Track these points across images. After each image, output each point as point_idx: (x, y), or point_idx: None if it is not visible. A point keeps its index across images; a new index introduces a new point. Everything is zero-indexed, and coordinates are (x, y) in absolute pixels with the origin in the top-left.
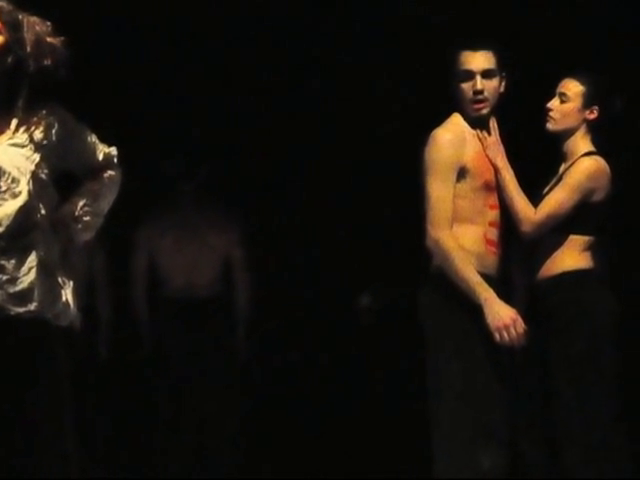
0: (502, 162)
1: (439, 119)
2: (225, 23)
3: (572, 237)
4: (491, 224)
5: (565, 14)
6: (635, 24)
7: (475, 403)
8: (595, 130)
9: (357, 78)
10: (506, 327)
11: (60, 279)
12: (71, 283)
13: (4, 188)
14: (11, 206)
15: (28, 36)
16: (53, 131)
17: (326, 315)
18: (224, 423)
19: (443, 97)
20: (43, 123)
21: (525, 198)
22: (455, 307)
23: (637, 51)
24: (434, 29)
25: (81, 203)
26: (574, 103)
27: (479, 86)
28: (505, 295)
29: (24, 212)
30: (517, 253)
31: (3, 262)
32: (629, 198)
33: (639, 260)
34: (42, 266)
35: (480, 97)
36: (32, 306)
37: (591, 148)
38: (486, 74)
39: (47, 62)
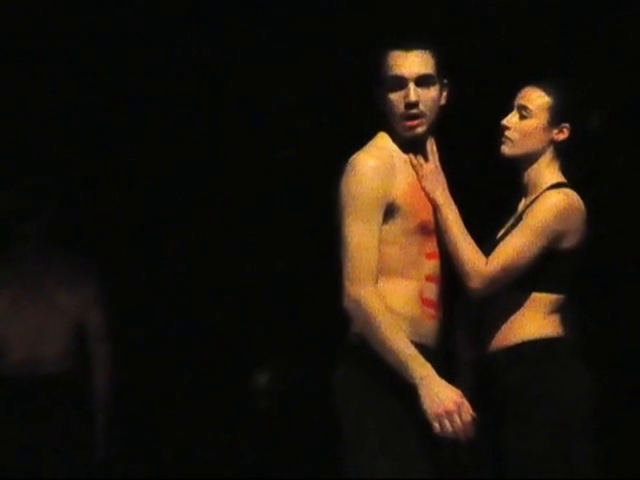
0: (443, 197)
1: (360, 140)
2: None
3: (535, 295)
4: (429, 278)
5: (526, 5)
6: (616, 19)
7: None
8: (565, 155)
9: (249, 87)
10: (448, 414)
11: None
12: None
13: None
14: None
15: None
16: None
17: (211, 400)
18: None
19: (365, 111)
20: None
21: (473, 244)
22: (381, 388)
23: (620, 52)
24: (353, 24)
25: None
26: (538, 119)
27: (413, 97)
28: (447, 372)
29: None
30: (463, 317)
31: None
32: (610, 244)
33: (621, 326)
34: None
35: (414, 111)
36: None
37: (560, 179)
38: (422, 81)
39: None
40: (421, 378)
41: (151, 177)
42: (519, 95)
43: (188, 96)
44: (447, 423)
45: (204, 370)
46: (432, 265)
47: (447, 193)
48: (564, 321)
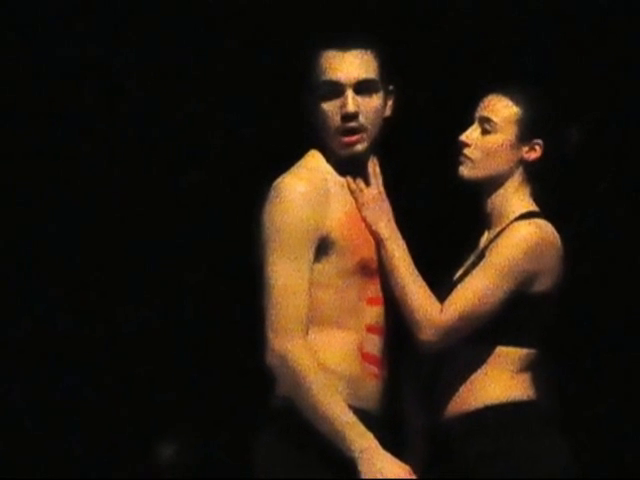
0: (388, 229)
1: (287, 160)
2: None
3: (500, 350)
4: (370, 329)
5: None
6: (598, 17)
7: None
8: (537, 178)
9: (148, 96)
10: None
11: None
12: None
13: None
14: None
15: None
16: None
17: (107, 472)
18: None
19: (292, 125)
20: None
21: (425, 288)
22: (312, 463)
23: (602, 55)
24: (278, 17)
25: None
26: (504, 134)
27: (351, 107)
28: (394, 444)
29: None
30: (413, 376)
31: None
32: (591, 287)
33: (603, 386)
34: None
35: (353, 124)
36: None
37: (531, 207)
38: (362, 88)
39: None
40: (361, 451)
41: (30, 209)
42: (481, 105)
43: (70, 102)
44: None
45: (97, 441)
46: (375, 313)
47: (393, 225)
48: (535, 381)
